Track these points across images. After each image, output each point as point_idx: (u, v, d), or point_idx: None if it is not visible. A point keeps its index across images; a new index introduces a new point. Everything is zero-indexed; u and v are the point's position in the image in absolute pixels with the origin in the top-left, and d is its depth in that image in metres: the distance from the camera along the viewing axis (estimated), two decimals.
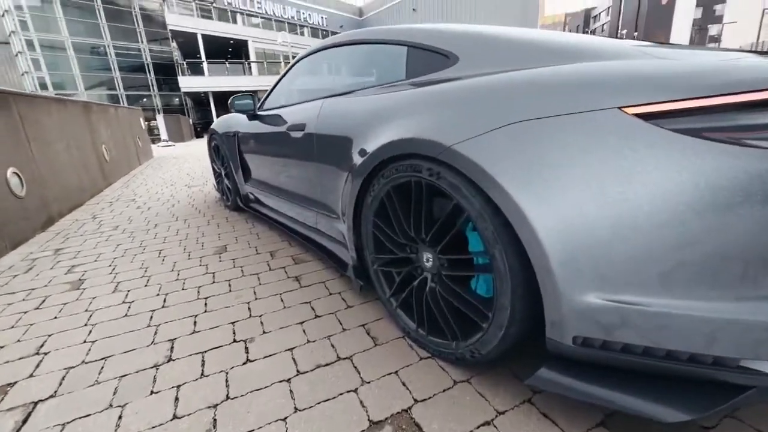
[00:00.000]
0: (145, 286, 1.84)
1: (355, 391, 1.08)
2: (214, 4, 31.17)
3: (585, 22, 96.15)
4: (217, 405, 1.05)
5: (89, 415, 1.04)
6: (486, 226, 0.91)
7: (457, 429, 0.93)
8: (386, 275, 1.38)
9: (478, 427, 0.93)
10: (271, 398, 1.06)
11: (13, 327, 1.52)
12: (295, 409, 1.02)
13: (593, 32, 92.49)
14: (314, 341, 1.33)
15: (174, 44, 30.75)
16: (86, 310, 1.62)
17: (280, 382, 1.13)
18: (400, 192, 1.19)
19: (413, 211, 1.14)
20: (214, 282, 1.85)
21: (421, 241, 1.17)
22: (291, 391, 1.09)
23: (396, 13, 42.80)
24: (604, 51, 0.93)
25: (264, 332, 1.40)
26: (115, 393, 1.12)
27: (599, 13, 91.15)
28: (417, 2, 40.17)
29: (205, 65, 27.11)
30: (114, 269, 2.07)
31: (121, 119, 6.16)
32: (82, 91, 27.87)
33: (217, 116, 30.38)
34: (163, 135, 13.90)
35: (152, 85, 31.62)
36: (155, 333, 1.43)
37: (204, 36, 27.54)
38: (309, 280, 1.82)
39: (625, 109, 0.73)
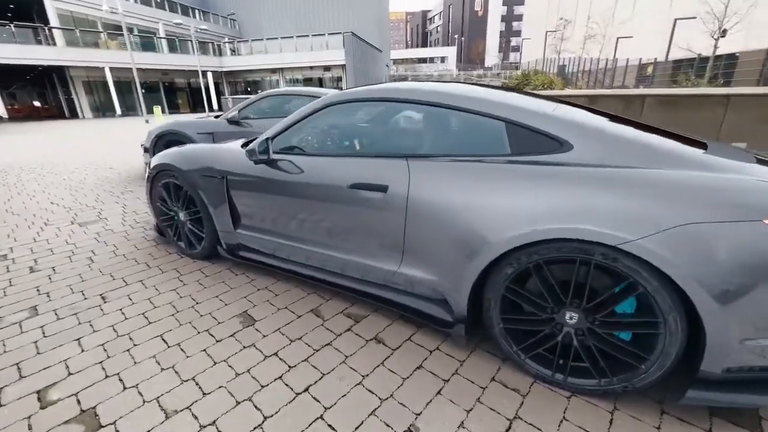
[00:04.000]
0: (203, 394, 1.48)
1: None
2: None
3: (423, 22, 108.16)
4: None
5: None
6: (663, 299, 1.20)
7: None
8: (512, 332, 1.55)
9: None
10: None
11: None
12: None
13: (430, 33, 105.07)
14: (472, 409, 1.40)
15: None
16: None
17: None
18: (553, 265, 1.38)
19: (574, 281, 1.35)
20: (291, 367, 1.62)
21: (570, 305, 1.39)
22: None
23: None
24: (712, 163, 1.30)
25: (418, 414, 1.38)
26: None
27: (433, 16, 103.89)
28: None
29: None
30: (125, 385, 1.55)
31: None
32: None
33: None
34: None
35: None
36: None
37: None
38: (392, 340, 1.80)
39: (765, 221, 1.12)
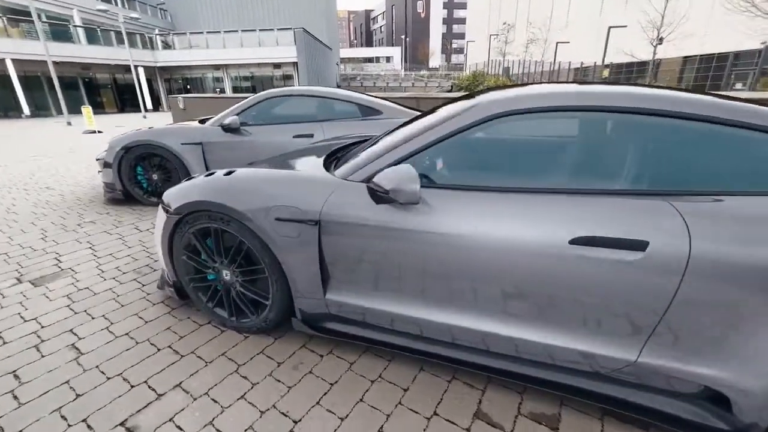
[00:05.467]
0: None
1: None
2: None
3: (366, 22, 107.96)
4: None
5: None
6: None
7: None
8: None
9: None
10: None
11: None
12: None
13: (374, 32, 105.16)
14: None
15: None
16: None
17: None
18: None
19: None
20: None
21: None
22: None
23: None
24: None
25: None
26: None
27: (377, 16, 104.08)
28: None
29: None
30: None
31: None
32: None
33: None
34: None
35: None
36: None
37: None
38: None
39: None
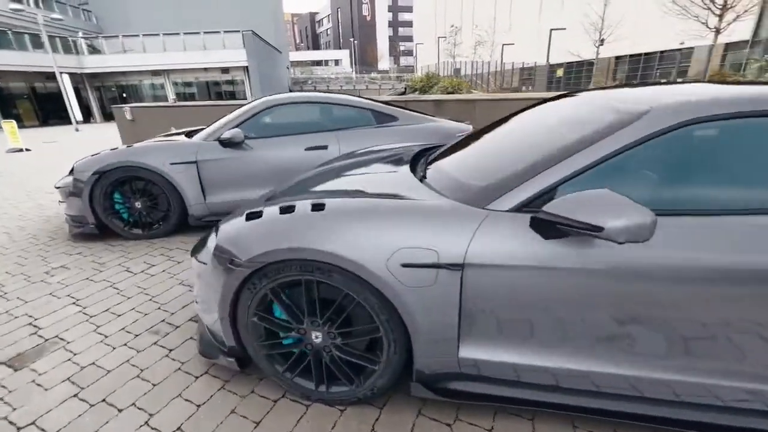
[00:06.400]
0: None
1: None
2: None
3: (312, 24, 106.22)
4: None
5: None
6: None
7: None
8: None
9: None
10: None
11: None
12: None
13: (320, 35, 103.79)
14: None
15: None
16: None
17: None
18: None
19: None
20: None
21: None
22: None
23: None
24: None
25: None
26: None
27: (322, 19, 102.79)
28: None
29: None
30: None
31: None
32: None
33: None
34: None
35: None
36: None
37: None
38: None
39: None
